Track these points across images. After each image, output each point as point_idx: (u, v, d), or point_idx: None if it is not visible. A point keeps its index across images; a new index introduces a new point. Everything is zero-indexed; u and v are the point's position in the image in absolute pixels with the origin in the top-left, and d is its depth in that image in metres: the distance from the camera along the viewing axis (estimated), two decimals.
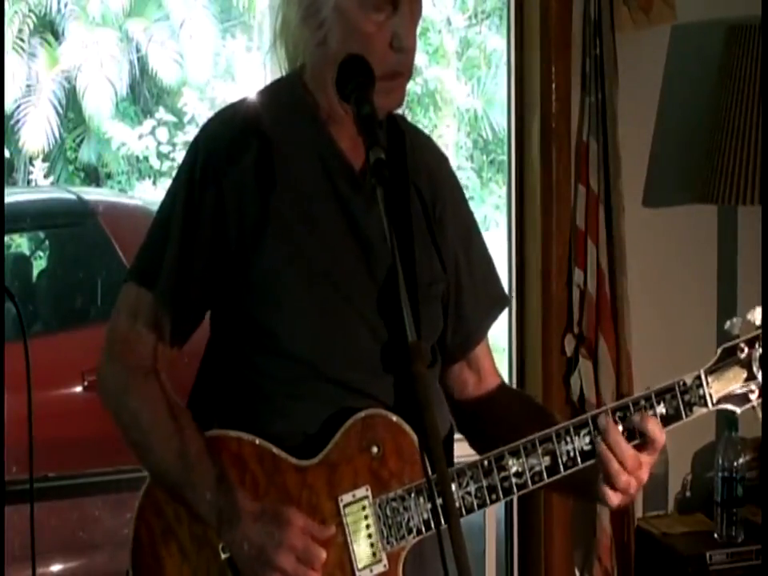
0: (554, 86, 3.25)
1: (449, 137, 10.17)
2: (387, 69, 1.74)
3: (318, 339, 1.77)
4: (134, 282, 1.83)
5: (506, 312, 3.30)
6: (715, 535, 3.23)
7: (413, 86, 9.29)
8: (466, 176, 9.77)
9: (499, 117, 9.53)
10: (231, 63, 10.25)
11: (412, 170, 1.88)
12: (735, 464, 3.21)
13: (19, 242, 7.26)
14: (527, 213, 3.38)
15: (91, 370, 4.65)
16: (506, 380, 3.47)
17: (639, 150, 3.37)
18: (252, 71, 10.05)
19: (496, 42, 9.85)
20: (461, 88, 10.28)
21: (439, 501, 1.69)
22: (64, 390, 4.77)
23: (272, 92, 1.88)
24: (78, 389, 4.76)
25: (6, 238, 6.36)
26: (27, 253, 6.95)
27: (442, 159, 1.99)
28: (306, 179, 1.81)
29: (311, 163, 1.81)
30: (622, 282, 3.27)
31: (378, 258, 1.79)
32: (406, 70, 1.78)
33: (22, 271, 6.01)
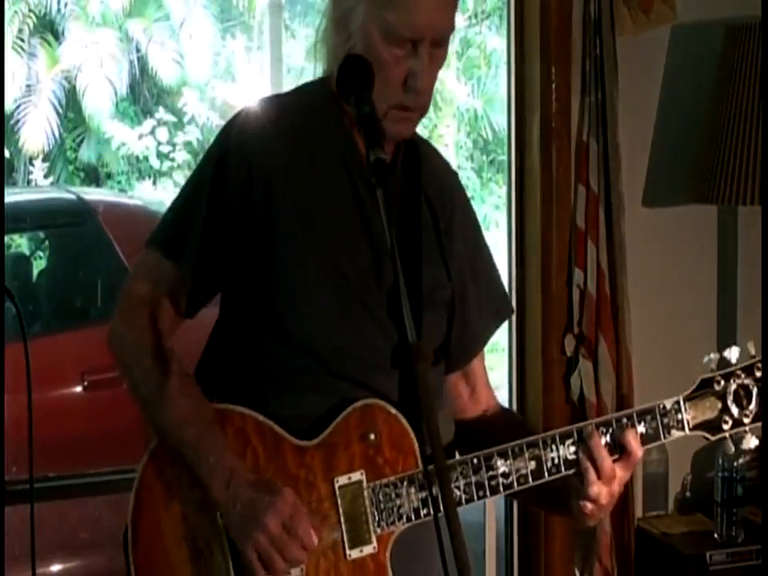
0: (554, 86, 3.25)
1: (449, 137, 10.17)
2: (397, 101, 1.80)
3: (330, 337, 1.82)
4: (157, 250, 1.88)
5: None
6: (715, 535, 3.23)
7: None
8: (466, 176, 9.77)
9: (499, 117, 9.53)
10: (231, 63, 10.26)
11: (424, 179, 1.93)
12: (735, 464, 3.21)
13: (19, 242, 7.26)
14: (527, 213, 3.38)
15: (91, 370, 4.66)
16: (506, 380, 3.49)
17: (639, 150, 3.36)
18: (252, 71, 10.05)
19: (496, 42, 9.86)
20: (461, 88, 10.29)
21: (435, 491, 1.75)
22: (64, 390, 4.77)
23: (303, 93, 1.95)
24: (78, 389, 4.76)
25: (6, 238, 6.36)
26: (27, 253, 6.95)
27: (453, 173, 2.05)
28: (330, 179, 1.86)
29: (335, 164, 1.86)
30: (622, 282, 3.27)
31: (386, 257, 1.83)
32: (417, 108, 1.83)
33: (22, 271, 6.00)
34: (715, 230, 3.47)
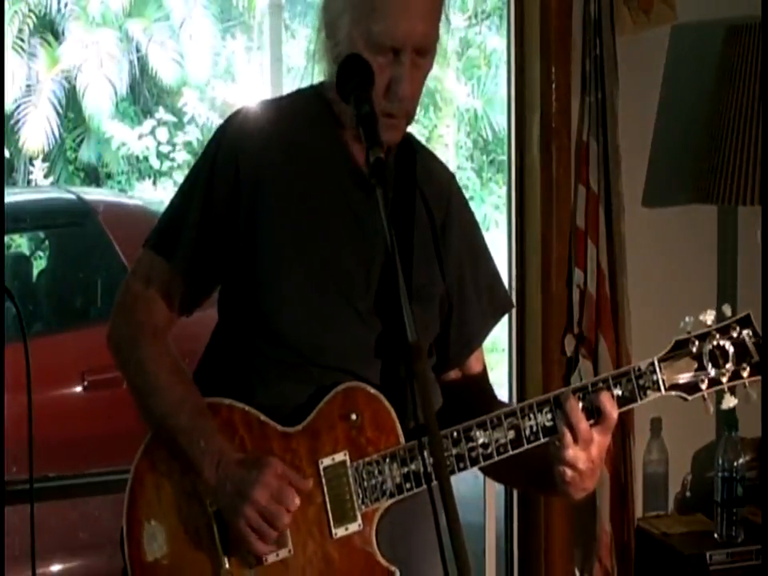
0: (554, 86, 3.26)
1: (449, 137, 10.17)
2: (381, 108, 1.82)
3: (314, 336, 1.86)
4: (151, 249, 1.95)
5: None
6: (715, 535, 3.23)
7: None
8: (466, 176, 9.76)
9: (499, 117, 9.53)
10: (231, 63, 10.26)
11: (419, 176, 1.95)
12: (735, 464, 3.21)
13: (19, 242, 7.27)
14: (527, 213, 3.38)
15: (91, 370, 4.65)
16: (506, 380, 3.49)
17: (639, 150, 3.37)
18: (252, 71, 10.05)
19: (496, 42, 9.86)
20: (461, 88, 10.29)
21: (416, 466, 1.81)
22: (64, 390, 4.77)
23: (295, 98, 1.99)
24: (78, 389, 4.76)
25: (6, 238, 6.36)
26: (27, 253, 6.96)
27: (449, 173, 2.07)
28: (319, 180, 1.90)
29: (324, 166, 1.90)
30: (622, 282, 3.27)
31: (376, 255, 1.86)
32: (402, 115, 1.86)
33: (22, 271, 6.01)
34: (715, 230, 3.47)
